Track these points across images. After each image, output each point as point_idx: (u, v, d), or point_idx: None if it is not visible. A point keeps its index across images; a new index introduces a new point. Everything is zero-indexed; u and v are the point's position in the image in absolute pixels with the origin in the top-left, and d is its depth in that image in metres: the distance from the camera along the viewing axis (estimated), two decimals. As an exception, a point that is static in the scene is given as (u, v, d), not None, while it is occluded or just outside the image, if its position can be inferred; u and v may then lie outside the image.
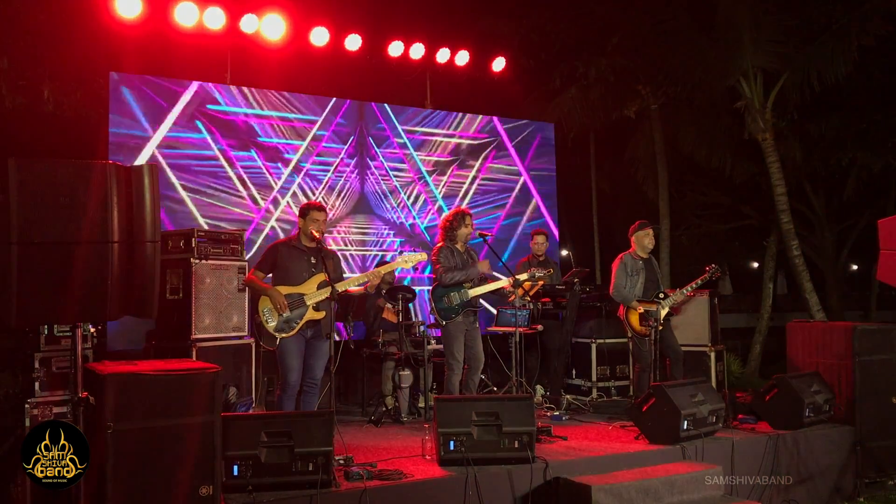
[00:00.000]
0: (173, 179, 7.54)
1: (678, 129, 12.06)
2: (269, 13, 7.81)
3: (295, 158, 8.30)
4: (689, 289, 6.57)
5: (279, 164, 8.23)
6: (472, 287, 6.00)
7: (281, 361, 5.14)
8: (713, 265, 6.54)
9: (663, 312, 6.43)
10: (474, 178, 9.52)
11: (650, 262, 6.69)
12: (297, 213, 5.43)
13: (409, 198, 9.05)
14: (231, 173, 7.92)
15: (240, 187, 7.96)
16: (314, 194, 8.36)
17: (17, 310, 3.16)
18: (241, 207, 7.95)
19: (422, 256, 5.61)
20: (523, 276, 6.29)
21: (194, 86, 7.74)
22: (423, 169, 9.16)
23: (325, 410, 4.56)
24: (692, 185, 13.78)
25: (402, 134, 9.03)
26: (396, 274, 8.28)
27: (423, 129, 9.21)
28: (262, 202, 8.08)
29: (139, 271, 3.36)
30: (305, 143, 8.39)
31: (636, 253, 6.63)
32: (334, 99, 8.59)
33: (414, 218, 9.08)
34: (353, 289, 5.45)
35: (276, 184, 8.18)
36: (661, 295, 6.45)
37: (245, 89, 8.07)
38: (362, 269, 8.49)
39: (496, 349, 7.18)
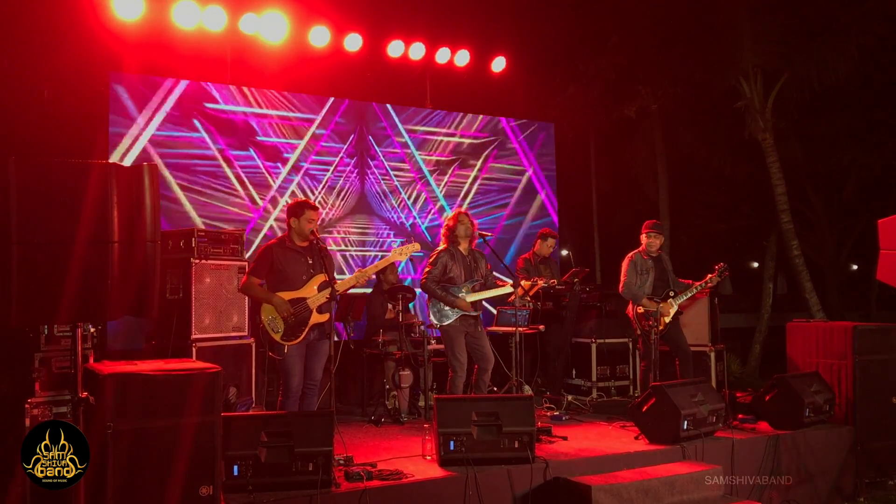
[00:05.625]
0: (170, 178, 7.57)
1: (678, 129, 12.06)
2: (269, 13, 7.81)
3: (293, 157, 8.30)
4: (699, 287, 6.57)
5: (279, 164, 8.24)
6: (470, 293, 5.97)
7: (283, 367, 5.04)
8: (722, 264, 6.54)
9: (672, 311, 6.45)
10: (475, 177, 9.55)
11: (660, 260, 6.69)
12: (287, 212, 5.19)
13: (409, 198, 9.05)
14: (229, 172, 7.92)
15: (238, 187, 7.96)
16: (314, 194, 8.37)
17: (17, 310, 3.15)
18: (238, 207, 7.96)
19: (415, 247, 5.44)
20: (527, 284, 6.30)
21: (185, 83, 7.76)
22: (425, 168, 9.18)
23: (325, 410, 4.56)
24: (692, 185, 13.78)
25: (404, 133, 9.05)
26: (400, 271, 8.25)
27: (425, 128, 9.22)
28: (259, 201, 8.09)
29: (139, 271, 3.36)
30: (304, 142, 8.39)
31: (645, 252, 6.66)
32: (332, 98, 8.60)
33: (415, 218, 9.08)
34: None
35: (274, 183, 8.19)
36: (671, 293, 6.48)
37: (244, 89, 8.09)
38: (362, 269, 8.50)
39: (496, 349, 7.16)
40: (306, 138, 8.43)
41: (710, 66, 10.37)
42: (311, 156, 8.43)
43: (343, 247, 8.55)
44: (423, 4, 9.26)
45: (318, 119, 8.52)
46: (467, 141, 9.50)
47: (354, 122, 8.76)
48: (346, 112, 8.69)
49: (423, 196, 9.16)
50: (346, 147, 8.66)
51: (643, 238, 6.68)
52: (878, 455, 5.96)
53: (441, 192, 9.28)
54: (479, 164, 9.57)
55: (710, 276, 6.51)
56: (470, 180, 9.50)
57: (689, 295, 6.56)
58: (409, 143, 9.12)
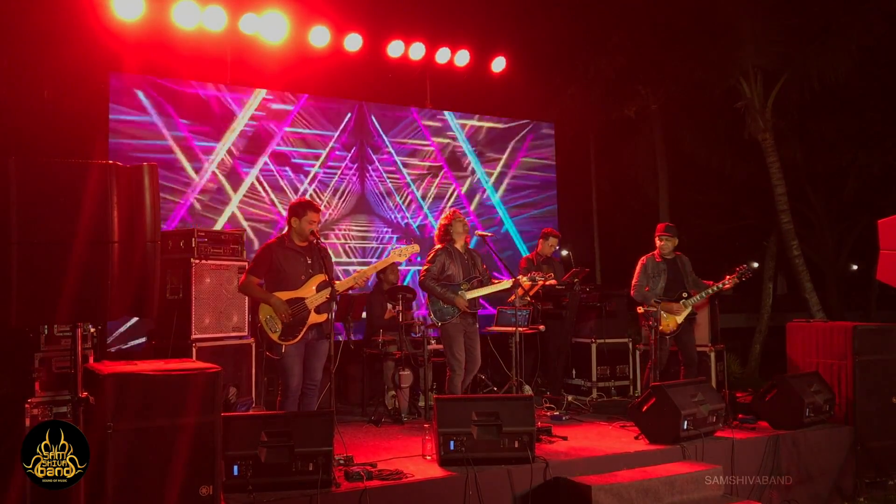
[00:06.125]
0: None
1: (678, 129, 12.06)
2: (269, 13, 7.81)
3: (313, 170, 8.38)
4: (716, 288, 6.53)
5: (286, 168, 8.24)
6: (469, 290, 5.98)
7: (281, 367, 5.02)
8: (743, 266, 6.51)
9: (683, 312, 6.45)
10: (499, 174, 9.63)
11: (675, 262, 6.69)
12: (288, 211, 5.17)
13: (417, 191, 9.04)
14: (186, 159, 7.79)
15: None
16: (301, 189, 8.34)
17: (17, 310, 3.15)
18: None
19: (414, 248, 5.40)
20: (524, 279, 6.29)
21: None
22: (473, 154, 9.24)
23: (325, 410, 4.56)
24: (692, 185, 13.79)
25: (451, 117, 9.12)
26: (401, 267, 8.22)
27: (438, 116, 9.27)
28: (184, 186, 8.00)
29: (139, 271, 3.36)
30: (324, 154, 8.46)
31: (659, 255, 6.67)
32: (347, 116, 8.62)
33: (425, 215, 9.08)
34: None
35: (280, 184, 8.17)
36: (685, 295, 6.48)
37: (253, 97, 8.08)
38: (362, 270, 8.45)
39: (496, 349, 7.17)
40: (325, 151, 8.37)
41: (710, 66, 10.38)
42: (290, 141, 8.32)
43: (343, 257, 8.47)
44: (423, 4, 9.27)
45: (335, 134, 8.49)
46: (487, 125, 9.57)
47: (352, 108, 8.69)
48: (342, 101, 8.66)
49: (434, 192, 9.14)
50: (349, 155, 8.61)
51: (657, 241, 6.72)
52: (878, 455, 5.96)
53: (465, 185, 9.27)
54: (503, 158, 9.65)
55: (728, 277, 6.48)
56: (495, 176, 9.58)
57: (705, 296, 6.56)
58: (451, 121, 9.12)
